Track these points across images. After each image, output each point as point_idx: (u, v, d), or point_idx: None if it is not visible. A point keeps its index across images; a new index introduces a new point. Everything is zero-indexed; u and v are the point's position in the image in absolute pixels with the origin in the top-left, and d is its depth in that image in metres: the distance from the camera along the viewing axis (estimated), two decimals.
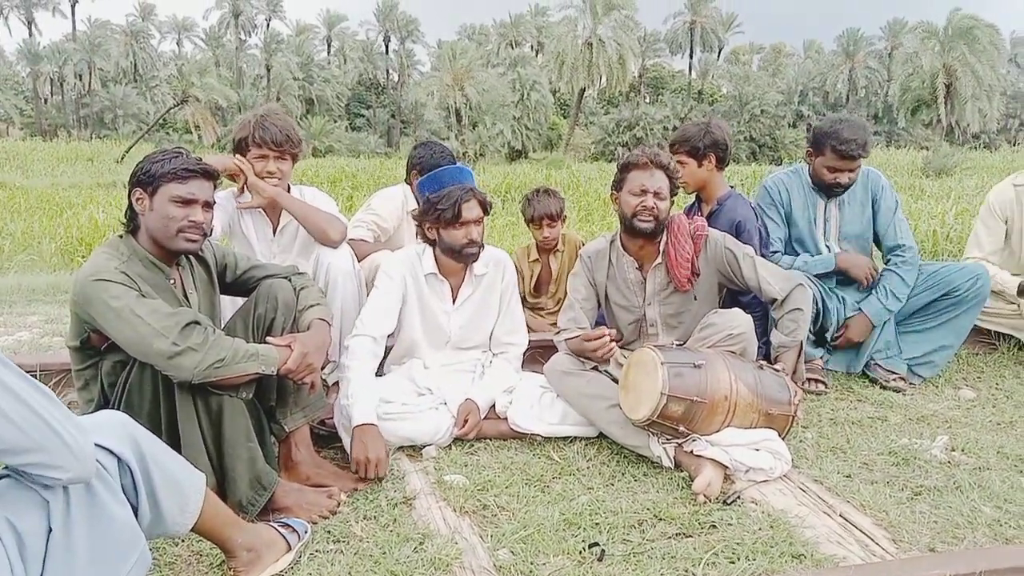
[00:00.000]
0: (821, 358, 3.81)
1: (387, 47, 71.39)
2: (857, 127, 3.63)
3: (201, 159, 2.46)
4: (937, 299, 3.76)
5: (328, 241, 3.21)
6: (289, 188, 3.36)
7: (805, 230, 3.88)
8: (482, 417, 3.01)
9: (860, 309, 3.77)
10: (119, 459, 1.74)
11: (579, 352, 3.10)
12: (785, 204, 3.90)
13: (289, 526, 2.22)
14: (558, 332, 3.25)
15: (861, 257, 3.79)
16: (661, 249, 3.13)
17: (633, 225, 3.07)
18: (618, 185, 3.16)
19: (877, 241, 3.92)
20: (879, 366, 3.79)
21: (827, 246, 3.88)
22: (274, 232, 3.37)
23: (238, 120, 3.37)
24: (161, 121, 48.38)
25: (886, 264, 3.86)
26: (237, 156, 3.23)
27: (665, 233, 3.12)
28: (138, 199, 2.38)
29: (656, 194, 3.04)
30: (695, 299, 3.15)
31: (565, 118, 57.56)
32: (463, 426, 2.95)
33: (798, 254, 3.88)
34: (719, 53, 71.26)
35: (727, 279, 3.17)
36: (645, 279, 3.18)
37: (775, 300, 3.08)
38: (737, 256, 3.12)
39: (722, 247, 3.13)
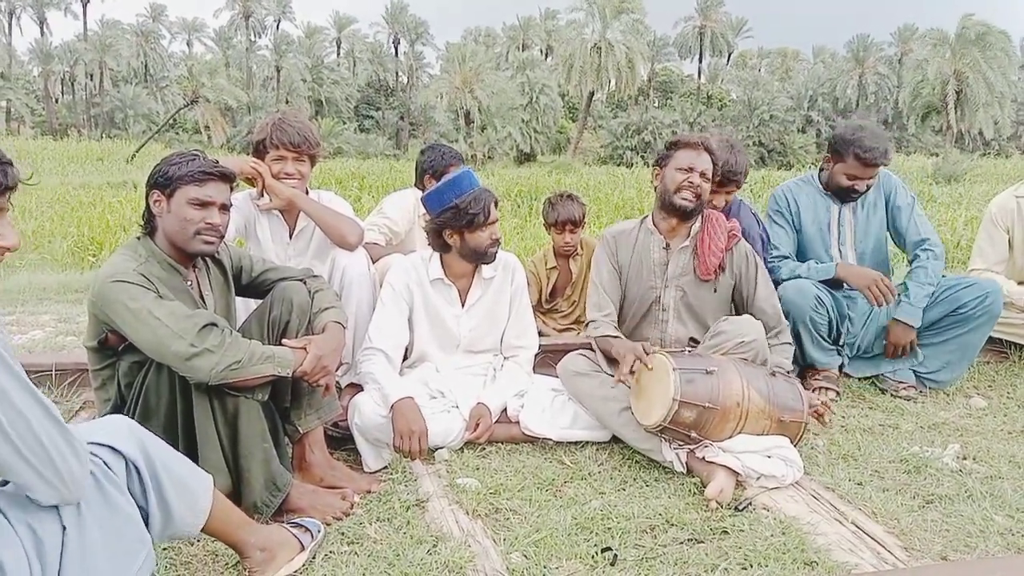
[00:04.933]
0: (840, 367, 3.80)
1: (396, 49, 71.53)
2: (878, 135, 3.62)
3: (218, 161, 2.48)
4: (946, 316, 3.71)
5: (345, 244, 3.23)
6: (307, 191, 3.37)
7: (816, 237, 3.87)
8: (494, 421, 3.02)
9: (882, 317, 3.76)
10: (126, 460, 1.76)
11: (606, 351, 3.12)
12: (793, 212, 3.90)
13: (302, 526, 2.24)
14: (589, 323, 3.25)
15: (864, 270, 3.71)
16: (691, 233, 3.18)
17: (673, 201, 3.10)
18: (663, 161, 3.19)
19: (899, 242, 3.90)
20: (888, 377, 3.80)
21: (839, 250, 3.86)
22: (290, 235, 3.39)
23: (256, 123, 3.39)
24: (171, 121, 48.56)
25: (911, 261, 3.82)
26: (253, 159, 3.25)
27: (700, 221, 3.18)
28: (156, 201, 2.40)
29: (702, 174, 3.09)
30: (715, 291, 3.17)
31: (574, 121, 57.61)
32: (475, 430, 2.96)
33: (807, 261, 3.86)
34: (728, 57, 71.21)
35: (737, 288, 3.21)
36: (669, 261, 3.19)
37: (766, 326, 3.11)
38: (759, 271, 3.21)
39: (749, 255, 3.21)
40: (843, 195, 3.79)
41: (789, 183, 4.03)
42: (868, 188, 3.74)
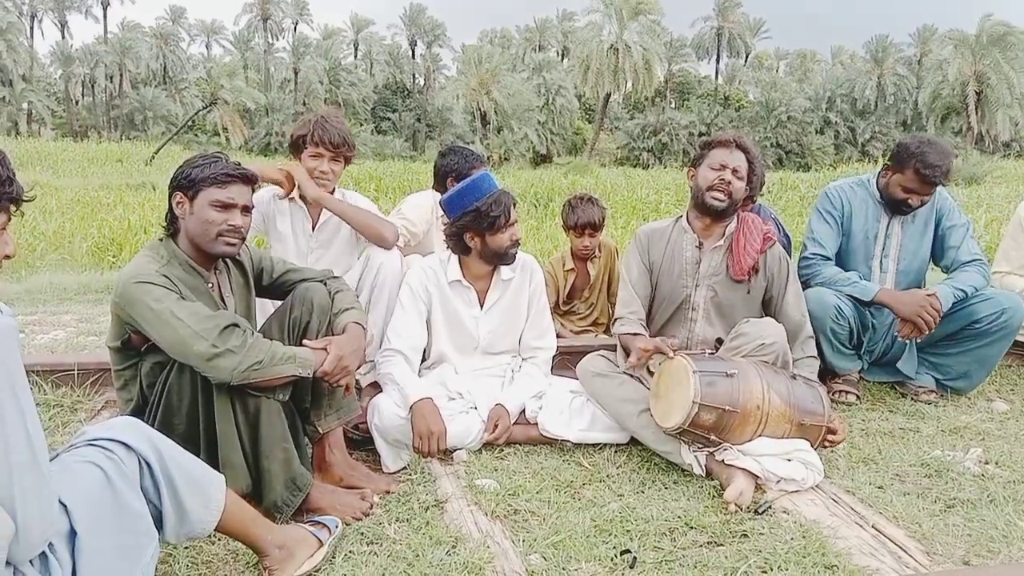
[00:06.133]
0: (860, 371, 3.77)
1: (413, 51, 71.70)
2: (943, 152, 3.50)
3: (240, 164, 2.49)
4: (961, 329, 3.64)
5: (383, 242, 3.30)
6: (334, 191, 3.45)
7: (860, 245, 3.77)
8: (512, 422, 3.03)
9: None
10: (139, 458, 1.79)
11: (626, 347, 3.12)
12: (845, 214, 3.79)
13: (319, 523, 2.27)
14: (615, 320, 3.26)
15: (909, 295, 3.53)
16: (726, 233, 3.16)
17: (705, 200, 3.09)
18: (697, 161, 3.19)
19: (945, 260, 3.76)
20: (908, 382, 3.77)
21: (881, 262, 3.77)
22: (313, 227, 3.45)
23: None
24: (190, 123, 48.78)
25: (955, 269, 3.70)
26: (281, 164, 3.29)
27: (735, 221, 3.17)
28: (178, 203, 2.42)
29: (734, 171, 3.08)
30: (747, 293, 3.15)
31: (590, 123, 57.61)
32: (493, 431, 2.97)
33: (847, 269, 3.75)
34: (746, 58, 70.89)
35: (767, 291, 3.19)
36: (701, 260, 3.17)
37: (791, 333, 3.10)
38: (790, 276, 3.20)
39: (783, 259, 3.20)
40: (895, 207, 3.68)
41: (843, 183, 3.90)
42: (922, 204, 3.64)
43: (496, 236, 3.04)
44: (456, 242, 3.12)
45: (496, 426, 2.97)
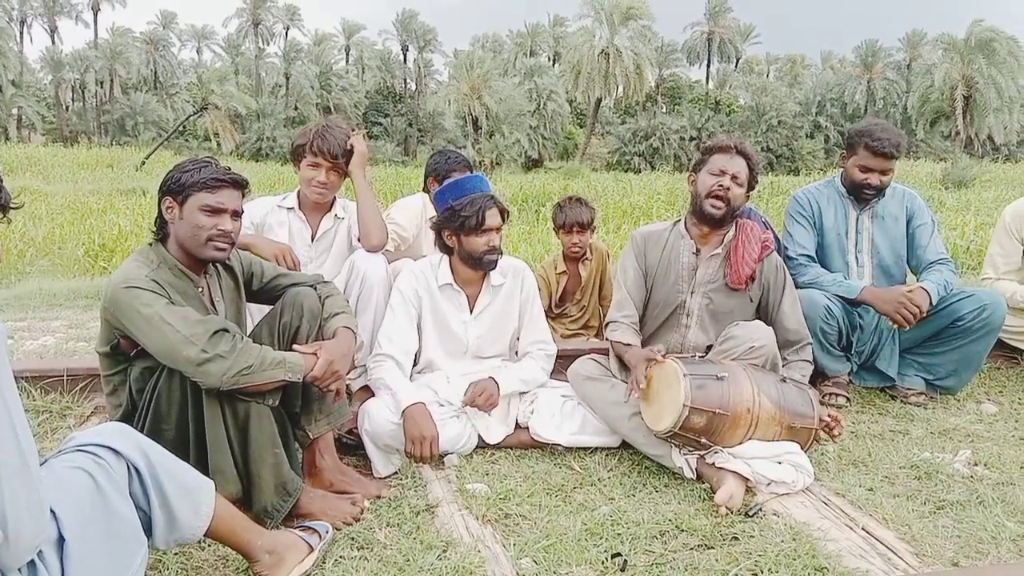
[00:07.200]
0: (849, 373, 3.79)
1: (405, 56, 71.66)
2: (889, 129, 3.68)
3: (230, 169, 2.49)
4: (945, 328, 3.68)
5: (368, 242, 3.30)
6: (334, 201, 3.48)
7: (834, 241, 3.84)
8: (499, 396, 3.02)
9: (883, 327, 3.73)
10: (128, 464, 1.78)
11: (620, 355, 3.13)
12: (816, 214, 3.86)
13: (309, 528, 2.26)
14: (608, 323, 3.26)
15: (889, 291, 3.58)
16: (724, 241, 3.16)
17: (703, 207, 3.09)
18: (698, 167, 3.20)
19: (914, 258, 3.82)
20: (898, 384, 3.78)
21: (856, 257, 3.82)
22: (312, 238, 3.46)
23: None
24: (181, 128, 48.72)
25: (926, 269, 3.75)
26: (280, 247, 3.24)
27: (734, 228, 3.17)
28: (168, 208, 2.42)
29: (734, 177, 3.08)
30: (745, 301, 3.16)
31: (581, 128, 57.71)
32: (475, 398, 2.97)
33: (826, 268, 3.80)
34: (736, 63, 71.06)
35: (763, 299, 3.20)
36: (698, 266, 3.18)
37: (788, 341, 3.14)
38: (787, 285, 3.21)
39: (780, 267, 3.21)
40: (858, 193, 3.75)
41: (810, 187, 4.01)
42: (881, 185, 3.69)
43: (470, 239, 3.05)
44: (437, 238, 3.15)
45: (479, 395, 2.97)
